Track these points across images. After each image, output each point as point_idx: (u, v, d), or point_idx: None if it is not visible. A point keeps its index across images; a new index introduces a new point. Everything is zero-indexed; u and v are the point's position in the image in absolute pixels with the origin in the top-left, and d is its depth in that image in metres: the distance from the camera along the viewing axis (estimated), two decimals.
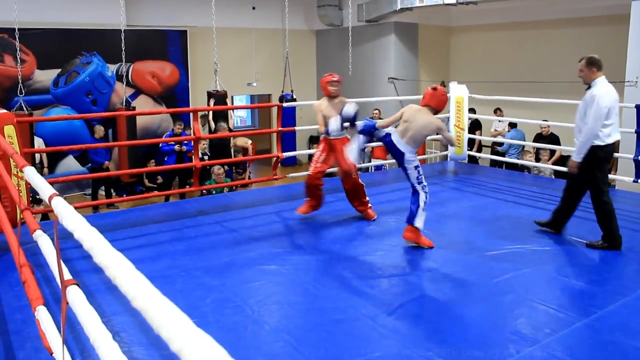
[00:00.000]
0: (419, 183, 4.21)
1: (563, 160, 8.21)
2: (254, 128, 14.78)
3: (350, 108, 4.68)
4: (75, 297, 1.60)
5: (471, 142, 8.66)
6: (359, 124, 4.44)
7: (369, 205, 5.01)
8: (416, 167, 4.19)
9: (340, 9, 12.48)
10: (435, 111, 4.24)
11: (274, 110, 9.43)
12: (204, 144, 8.85)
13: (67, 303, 1.62)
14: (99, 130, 9.35)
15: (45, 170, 9.41)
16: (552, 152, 8.20)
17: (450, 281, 3.68)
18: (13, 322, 3.06)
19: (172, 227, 4.85)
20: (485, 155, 8.92)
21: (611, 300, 3.28)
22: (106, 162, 9.48)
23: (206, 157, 8.83)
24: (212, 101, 9.34)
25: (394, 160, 8.29)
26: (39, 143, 9.00)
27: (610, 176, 6.71)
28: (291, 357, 2.73)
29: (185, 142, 9.03)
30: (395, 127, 4.31)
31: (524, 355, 2.68)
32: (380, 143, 8.93)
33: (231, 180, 8.72)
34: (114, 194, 9.52)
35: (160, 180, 10.60)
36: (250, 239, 4.48)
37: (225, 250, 4.23)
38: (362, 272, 3.83)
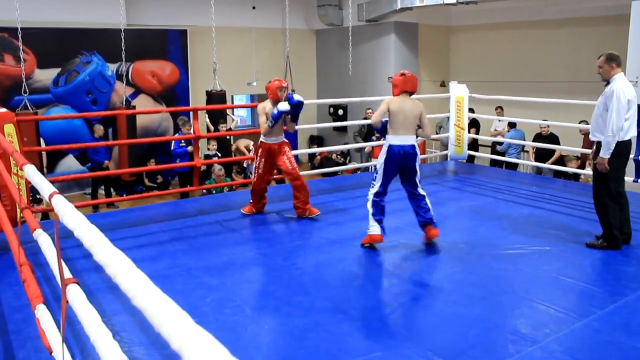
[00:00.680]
0: (420, 182, 4.21)
1: (563, 160, 8.22)
2: (254, 127, 14.78)
3: (284, 105, 4.81)
4: (76, 295, 1.60)
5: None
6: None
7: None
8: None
9: (340, 8, 12.48)
10: (411, 94, 4.24)
11: None
12: (214, 144, 8.91)
13: (67, 302, 1.62)
14: (98, 129, 9.34)
15: (44, 170, 9.40)
16: (552, 152, 8.20)
17: (450, 281, 3.68)
18: (13, 321, 3.06)
19: (172, 227, 4.85)
20: (484, 155, 8.91)
21: (611, 300, 3.28)
22: (106, 162, 9.47)
23: (216, 158, 8.83)
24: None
25: None
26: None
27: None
28: (291, 357, 2.73)
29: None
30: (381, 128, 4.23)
31: (524, 355, 2.68)
32: (380, 143, 8.94)
33: (231, 180, 8.71)
34: (113, 193, 9.51)
35: (160, 179, 10.60)
36: (250, 239, 4.48)
37: (225, 250, 4.23)
38: (362, 271, 3.83)
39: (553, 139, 8.17)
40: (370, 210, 4.15)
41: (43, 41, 9.63)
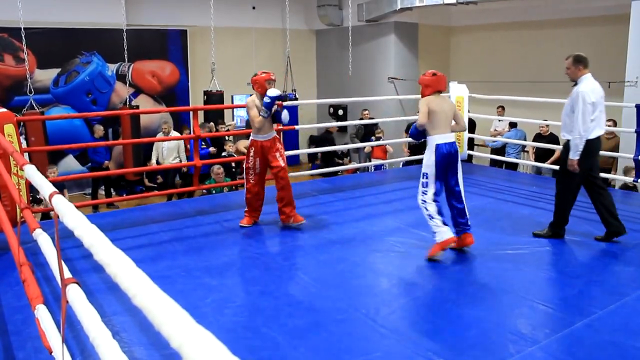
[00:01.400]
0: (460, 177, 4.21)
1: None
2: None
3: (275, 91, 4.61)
4: (75, 295, 1.60)
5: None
6: (411, 129, 4.27)
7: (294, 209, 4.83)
8: None
9: (340, 8, 12.48)
10: (441, 92, 4.19)
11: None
12: (230, 145, 8.96)
13: (67, 302, 1.62)
14: (98, 129, 9.34)
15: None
16: (552, 151, 8.20)
17: (451, 281, 3.68)
18: (13, 322, 3.06)
19: (172, 227, 4.85)
20: (482, 154, 8.91)
21: (611, 300, 3.28)
22: (106, 162, 9.47)
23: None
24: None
25: (393, 160, 8.27)
26: None
27: (610, 176, 6.76)
28: (291, 357, 2.73)
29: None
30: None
31: (524, 355, 2.68)
32: (379, 143, 8.89)
33: (231, 180, 8.71)
34: (113, 193, 9.51)
35: (160, 179, 10.59)
36: (250, 239, 4.48)
37: (225, 250, 4.23)
38: (362, 271, 3.83)
39: (552, 139, 8.17)
40: (434, 215, 3.96)
41: (43, 41, 9.63)
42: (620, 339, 2.84)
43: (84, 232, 1.45)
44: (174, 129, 11.50)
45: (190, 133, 9.28)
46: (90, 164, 9.67)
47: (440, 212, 3.97)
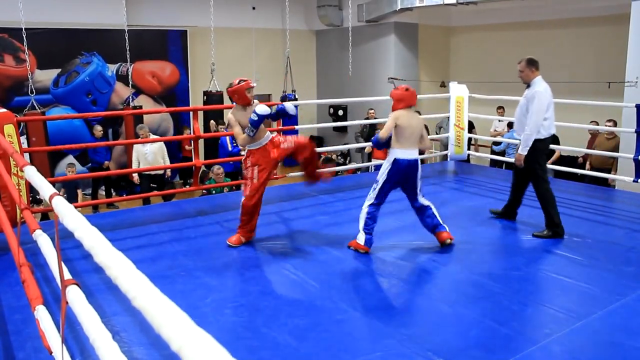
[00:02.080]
0: (420, 191, 4.23)
1: (562, 160, 8.22)
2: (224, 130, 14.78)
3: (264, 108, 4.06)
4: (75, 297, 1.60)
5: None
6: (374, 137, 4.28)
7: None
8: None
9: (340, 9, 12.48)
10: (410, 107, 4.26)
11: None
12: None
13: (67, 303, 1.62)
14: (97, 130, 9.36)
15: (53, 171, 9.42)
16: (552, 152, 8.20)
17: (451, 281, 3.68)
18: (13, 322, 3.06)
19: (172, 227, 4.85)
20: (482, 155, 8.91)
21: (611, 300, 3.28)
22: (106, 162, 9.48)
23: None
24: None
25: None
26: None
27: (610, 176, 6.77)
28: (291, 357, 2.73)
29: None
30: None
31: (524, 355, 2.68)
32: None
33: (230, 180, 8.71)
34: (114, 193, 9.52)
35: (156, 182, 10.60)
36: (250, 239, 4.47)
37: (225, 250, 4.23)
38: (362, 271, 3.83)
39: (552, 138, 8.17)
40: (362, 221, 4.13)
41: (43, 42, 9.65)
42: (620, 339, 2.85)
43: (84, 234, 1.45)
44: (174, 129, 11.52)
45: (190, 133, 9.29)
46: (90, 164, 9.68)
47: (370, 219, 4.11)
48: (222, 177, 7.77)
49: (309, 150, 4.40)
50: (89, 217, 5.41)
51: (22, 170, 2.53)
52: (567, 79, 9.90)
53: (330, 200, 5.79)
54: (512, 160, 8.31)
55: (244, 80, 4.21)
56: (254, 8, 12.35)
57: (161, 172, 8.60)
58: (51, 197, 1.88)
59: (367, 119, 10.34)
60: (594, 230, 4.50)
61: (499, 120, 9.54)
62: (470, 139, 8.66)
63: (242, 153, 4.28)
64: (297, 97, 11.08)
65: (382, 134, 4.09)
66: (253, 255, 4.15)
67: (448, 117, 7.54)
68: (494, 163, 8.66)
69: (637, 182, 5.67)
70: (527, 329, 2.95)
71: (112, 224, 4.91)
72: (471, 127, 9.49)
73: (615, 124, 7.53)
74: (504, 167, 8.81)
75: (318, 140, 13.18)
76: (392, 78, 11.70)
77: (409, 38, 11.94)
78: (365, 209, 4.15)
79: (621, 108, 7.31)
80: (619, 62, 8.02)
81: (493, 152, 9.19)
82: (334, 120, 12.37)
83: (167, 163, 8.60)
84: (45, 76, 10.01)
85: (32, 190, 5.11)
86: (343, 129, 12.22)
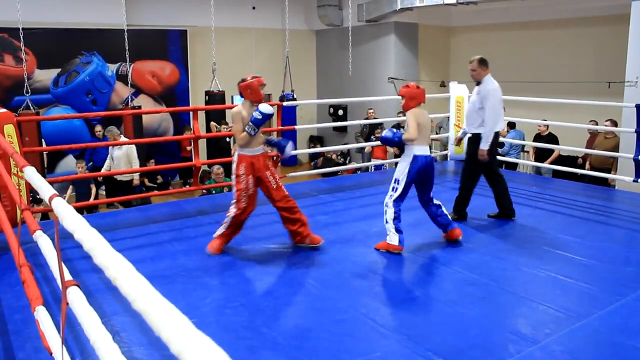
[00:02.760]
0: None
1: (562, 160, 8.22)
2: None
3: (269, 108, 3.98)
4: (76, 297, 1.60)
5: None
6: (385, 134, 4.25)
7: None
8: None
9: (340, 9, 12.48)
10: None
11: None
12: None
13: (67, 304, 1.62)
14: (97, 130, 9.36)
15: (45, 171, 9.40)
16: (552, 151, 8.20)
17: (450, 281, 3.68)
18: (13, 322, 3.06)
19: (172, 227, 4.85)
20: None
21: (611, 300, 3.28)
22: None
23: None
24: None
25: (393, 160, 8.30)
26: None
27: (610, 176, 6.77)
28: (291, 357, 2.73)
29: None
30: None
31: (524, 355, 2.68)
32: (379, 142, 8.89)
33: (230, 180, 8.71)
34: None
35: (160, 179, 10.61)
36: (250, 239, 4.47)
37: (225, 250, 4.22)
38: (362, 272, 3.83)
39: (552, 138, 8.17)
40: (392, 218, 4.11)
41: (43, 41, 9.65)
42: (620, 339, 2.85)
43: (83, 235, 1.45)
44: (174, 130, 11.51)
45: (191, 133, 9.29)
46: (90, 163, 9.68)
47: (397, 218, 4.13)
48: (222, 177, 7.77)
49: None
50: (89, 217, 5.42)
51: (22, 171, 2.53)
52: (567, 79, 9.91)
53: (330, 200, 5.79)
54: (512, 160, 8.39)
55: (256, 77, 4.12)
56: (254, 8, 12.35)
57: (127, 178, 8.20)
58: (51, 198, 1.88)
59: (367, 119, 10.33)
60: (594, 230, 4.50)
61: None
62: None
63: (233, 156, 4.15)
64: (295, 97, 11.07)
65: (412, 134, 4.07)
66: (253, 255, 4.15)
67: (448, 117, 7.54)
68: None
69: (637, 182, 5.67)
70: (527, 329, 2.95)
71: (111, 224, 4.91)
72: None
73: (615, 124, 7.53)
74: (503, 167, 8.81)
75: (318, 140, 13.18)
76: (392, 78, 11.70)
77: (409, 38, 11.94)
78: (392, 209, 4.13)
79: (621, 108, 7.31)
80: (619, 62, 8.02)
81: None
82: (334, 120, 12.36)
83: (135, 165, 8.03)
84: (45, 76, 10.01)
85: (32, 188, 5.11)
86: (343, 129, 12.22)
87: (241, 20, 12.13)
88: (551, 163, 7.87)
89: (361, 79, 12.01)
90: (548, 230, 4.67)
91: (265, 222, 4.98)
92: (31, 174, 2.32)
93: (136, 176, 8.36)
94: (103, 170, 8.16)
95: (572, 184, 6.67)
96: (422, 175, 4.17)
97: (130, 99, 9.45)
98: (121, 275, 1.16)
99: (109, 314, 3.05)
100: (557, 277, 3.67)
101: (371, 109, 10.57)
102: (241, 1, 12.08)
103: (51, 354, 2.01)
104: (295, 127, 7.60)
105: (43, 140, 9.19)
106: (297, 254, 4.19)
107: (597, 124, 7.86)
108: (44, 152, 9.20)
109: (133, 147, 8.02)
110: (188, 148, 10.15)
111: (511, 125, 9.18)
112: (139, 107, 9.91)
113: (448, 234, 4.34)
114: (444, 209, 4.33)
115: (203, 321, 2.99)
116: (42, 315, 2.13)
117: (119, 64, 10.53)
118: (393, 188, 4.18)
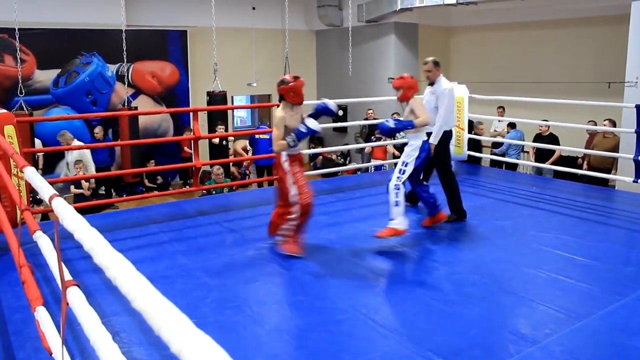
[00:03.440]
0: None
1: (562, 160, 8.22)
2: (254, 128, 14.80)
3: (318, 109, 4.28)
4: (76, 297, 1.60)
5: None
6: (385, 124, 4.40)
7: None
8: None
9: (340, 9, 12.48)
10: None
11: (275, 110, 9.40)
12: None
13: (67, 304, 1.62)
14: (96, 132, 9.36)
15: (40, 172, 9.39)
16: (552, 152, 8.20)
17: (450, 281, 3.68)
18: (13, 322, 3.06)
19: (172, 227, 4.85)
20: (482, 155, 8.91)
21: (611, 300, 3.28)
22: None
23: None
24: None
25: (393, 161, 8.30)
26: (37, 144, 8.99)
27: (610, 176, 6.77)
28: (291, 357, 2.73)
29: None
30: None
31: (524, 355, 2.68)
32: (379, 143, 8.89)
33: (230, 180, 8.72)
34: (114, 194, 9.52)
35: (160, 180, 10.61)
36: (250, 239, 4.48)
37: (225, 250, 4.23)
38: (362, 272, 3.83)
39: (552, 139, 8.17)
40: (401, 203, 4.23)
41: (43, 42, 9.64)
42: (620, 339, 2.85)
43: (83, 235, 1.45)
44: (174, 130, 11.51)
45: (191, 134, 9.29)
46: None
47: (405, 200, 4.33)
48: (222, 177, 7.78)
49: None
50: (89, 218, 5.41)
51: (22, 171, 2.53)
52: (567, 79, 9.91)
53: (330, 200, 5.80)
54: (512, 160, 8.39)
55: (297, 78, 4.06)
56: (254, 8, 12.35)
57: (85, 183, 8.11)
58: (51, 199, 1.88)
59: (367, 119, 10.33)
60: (593, 230, 4.50)
61: (499, 121, 9.54)
62: (479, 142, 8.67)
63: (283, 159, 4.08)
64: None
65: (426, 119, 4.33)
66: (253, 255, 4.15)
67: None
68: (493, 163, 8.66)
69: (637, 182, 5.67)
70: (527, 329, 2.95)
71: (112, 225, 4.91)
72: (471, 127, 9.50)
73: (614, 124, 7.53)
74: (504, 167, 8.82)
75: (318, 140, 13.18)
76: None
77: (409, 38, 11.93)
78: (400, 194, 4.25)
79: (621, 108, 7.31)
80: (619, 62, 8.02)
81: (493, 154, 9.19)
82: (334, 121, 12.36)
83: (91, 170, 8.03)
84: (45, 76, 10.00)
85: (32, 188, 5.11)
86: (343, 129, 12.21)
87: (241, 21, 12.13)
88: (552, 163, 7.86)
89: (361, 79, 12.01)
90: (548, 230, 4.66)
91: (265, 223, 4.99)
92: (31, 174, 2.32)
93: (86, 184, 8.08)
94: (62, 174, 7.91)
95: (572, 184, 6.67)
96: (429, 157, 4.51)
97: (128, 100, 9.44)
98: (121, 275, 1.16)
99: (109, 314, 3.05)
100: (557, 277, 3.67)
101: (370, 109, 10.56)
102: (241, 1, 12.08)
103: (51, 354, 2.01)
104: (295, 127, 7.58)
105: (42, 141, 9.22)
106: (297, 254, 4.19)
107: (595, 124, 7.86)
108: (41, 153, 9.21)
109: (87, 151, 7.87)
110: (187, 149, 10.13)
111: (511, 125, 9.18)
112: (135, 108, 9.89)
113: (436, 216, 4.65)
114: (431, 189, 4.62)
115: (203, 321, 2.99)
116: (42, 315, 2.13)
117: (119, 64, 10.52)
118: (401, 170, 4.35)
